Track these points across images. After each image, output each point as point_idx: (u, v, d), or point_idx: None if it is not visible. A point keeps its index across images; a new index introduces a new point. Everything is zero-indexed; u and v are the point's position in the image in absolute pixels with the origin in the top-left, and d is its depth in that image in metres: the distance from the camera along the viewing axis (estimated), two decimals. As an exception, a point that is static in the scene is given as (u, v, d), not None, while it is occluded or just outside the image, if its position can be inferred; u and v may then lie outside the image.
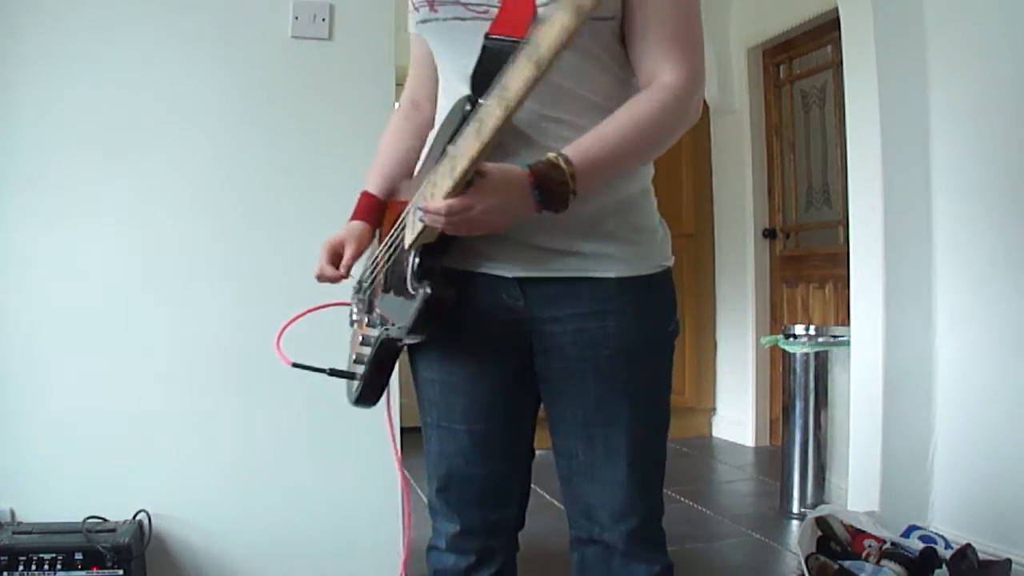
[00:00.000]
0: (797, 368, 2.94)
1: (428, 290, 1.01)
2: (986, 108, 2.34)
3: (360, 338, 1.21)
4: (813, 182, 3.89)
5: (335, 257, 1.20)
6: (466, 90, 1.04)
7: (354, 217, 1.24)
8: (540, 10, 0.98)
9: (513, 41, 0.98)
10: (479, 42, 1.03)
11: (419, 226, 1.01)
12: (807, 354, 2.91)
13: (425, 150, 1.19)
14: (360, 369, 1.18)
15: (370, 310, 1.21)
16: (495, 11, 1.04)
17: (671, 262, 1.17)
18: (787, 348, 2.97)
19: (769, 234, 4.08)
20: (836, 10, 2.72)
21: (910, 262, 2.48)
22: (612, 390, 1.12)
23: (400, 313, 1.06)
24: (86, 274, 1.96)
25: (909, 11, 2.47)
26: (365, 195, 1.26)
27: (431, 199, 0.95)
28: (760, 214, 4.09)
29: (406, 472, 1.50)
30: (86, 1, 1.95)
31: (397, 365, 1.19)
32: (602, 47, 1.08)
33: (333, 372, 1.23)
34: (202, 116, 2.02)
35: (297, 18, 2.06)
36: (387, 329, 1.11)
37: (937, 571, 1.95)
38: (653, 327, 1.14)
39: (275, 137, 2.06)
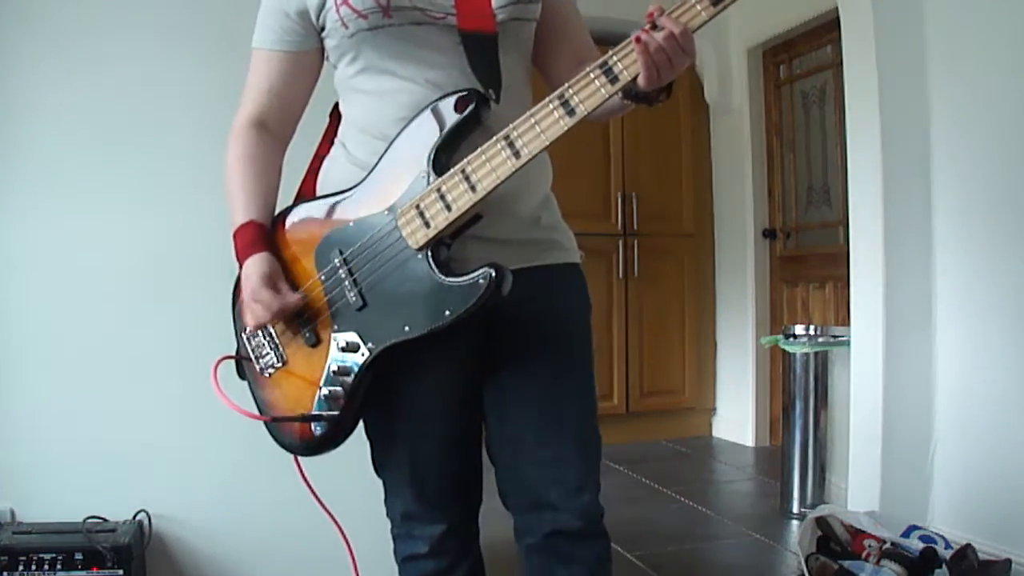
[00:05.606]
0: (797, 368, 2.93)
1: (493, 270, 0.98)
2: (986, 107, 2.34)
3: (334, 367, 1.11)
4: (813, 182, 3.89)
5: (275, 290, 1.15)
6: (425, 90, 1.07)
7: (261, 248, 1.18)
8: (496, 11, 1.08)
9: (487, 34, 1.07)
10: (439, 42, 1.08)
11: (447, 215, 1.01)
12: (807, 354, 2.91)
13: (394, 143, 1.10)
14: (334, 403, 1.10)
15: (316, 343, 1.13)
16: (452, 17, 1.08)
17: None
18: (787, 348, 2.97)
19: (769, 234, 4.08)
20: (836, 10, 2.72)
21: (910, 262, 2.48)
22: (564, 365, 1.17)
23: (408, 317, 1.03)
24: (87, 274, 1.96)
25: (909, 11, 2.48)
26: (254, 224, 1.19)
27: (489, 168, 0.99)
28: (760, 214, 4.09)
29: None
30: (86, 1, 1.95)
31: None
32: (528, 47, 1.19)
33: (305, 418, 1.14)
34: (201, 116, 2.02)
35: (297, 18, 2.05)
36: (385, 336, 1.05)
37: (937, 571, 1.95)
38: (586, 307, 1.24)
39: (275, 137, 2.06)
